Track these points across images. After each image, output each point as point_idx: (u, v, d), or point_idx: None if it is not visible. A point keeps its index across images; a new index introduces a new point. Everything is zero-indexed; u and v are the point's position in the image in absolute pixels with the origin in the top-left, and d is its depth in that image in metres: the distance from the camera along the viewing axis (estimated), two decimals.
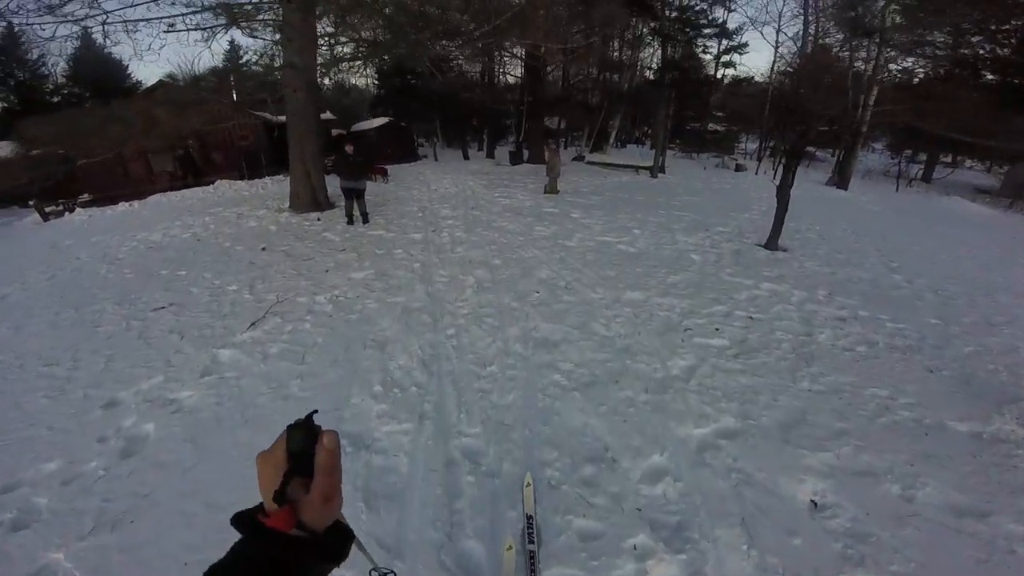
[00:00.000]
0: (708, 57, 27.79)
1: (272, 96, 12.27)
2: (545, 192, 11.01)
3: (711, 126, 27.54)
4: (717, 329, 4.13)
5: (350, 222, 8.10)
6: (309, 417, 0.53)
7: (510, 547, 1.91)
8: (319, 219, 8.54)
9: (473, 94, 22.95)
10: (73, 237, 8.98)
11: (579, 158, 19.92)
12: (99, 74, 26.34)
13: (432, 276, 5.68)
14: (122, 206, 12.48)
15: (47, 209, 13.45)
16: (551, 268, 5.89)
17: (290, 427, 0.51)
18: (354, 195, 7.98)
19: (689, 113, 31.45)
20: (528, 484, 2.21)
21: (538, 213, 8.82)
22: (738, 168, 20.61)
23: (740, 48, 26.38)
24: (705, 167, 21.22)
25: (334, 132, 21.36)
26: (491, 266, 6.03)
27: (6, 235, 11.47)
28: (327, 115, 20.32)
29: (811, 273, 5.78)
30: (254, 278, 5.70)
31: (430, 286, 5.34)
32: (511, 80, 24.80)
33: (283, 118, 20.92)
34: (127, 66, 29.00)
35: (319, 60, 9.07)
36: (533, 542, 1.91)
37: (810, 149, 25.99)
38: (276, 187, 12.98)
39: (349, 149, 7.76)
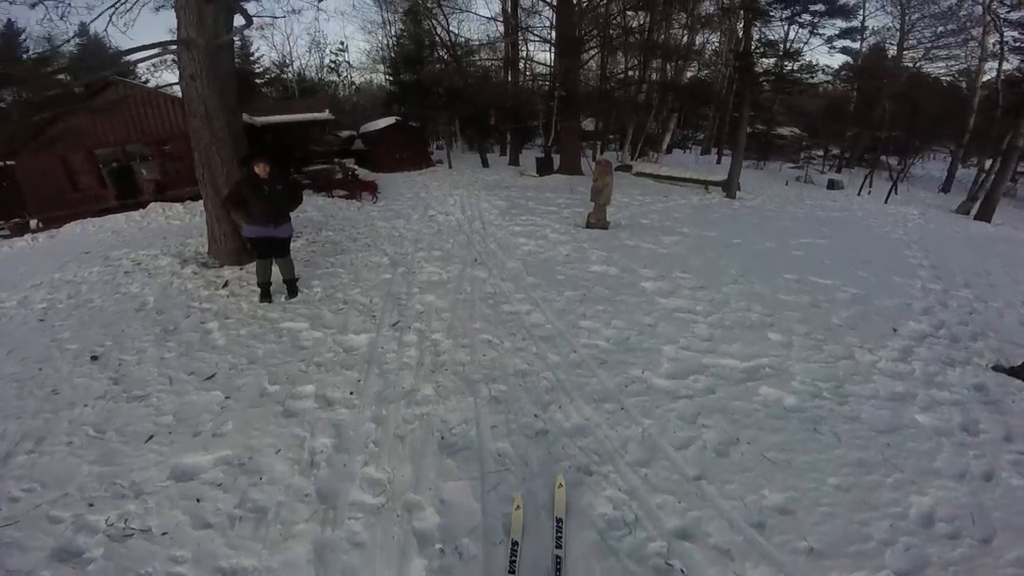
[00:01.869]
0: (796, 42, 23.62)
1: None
2: (588, 225, 7.59)
3: (782, 129, 23.46)
4: None
5: (265, 296, 4.89)
6: None
7: (518, 506, 2.04)
8: (227, 284, 5.35)
9: (492, 88, 19.74)
10: None
11: (624, 168, 16.44)
12: None
13: (346, 495, 2.34)
14: (22, 240, 9.63)
15: None
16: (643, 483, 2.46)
17: None
18: (272, 251, 4.79)
19: (752, 113, 27.45)
20: (560, 485, 2.18)
21: (584, 275, 5.41)
22: (832, 185, 16.65)
23: (853, 32, 21.15)
24: (787, 181, 17.40)
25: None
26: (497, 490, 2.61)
27: None
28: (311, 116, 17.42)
29: None
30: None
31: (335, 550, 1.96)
32: (539, 68, 21.37)
33: (261, 118, 18.54)
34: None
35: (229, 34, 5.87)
36: (560, 547, 1.88)
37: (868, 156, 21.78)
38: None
39: (261, 169, 4.50)
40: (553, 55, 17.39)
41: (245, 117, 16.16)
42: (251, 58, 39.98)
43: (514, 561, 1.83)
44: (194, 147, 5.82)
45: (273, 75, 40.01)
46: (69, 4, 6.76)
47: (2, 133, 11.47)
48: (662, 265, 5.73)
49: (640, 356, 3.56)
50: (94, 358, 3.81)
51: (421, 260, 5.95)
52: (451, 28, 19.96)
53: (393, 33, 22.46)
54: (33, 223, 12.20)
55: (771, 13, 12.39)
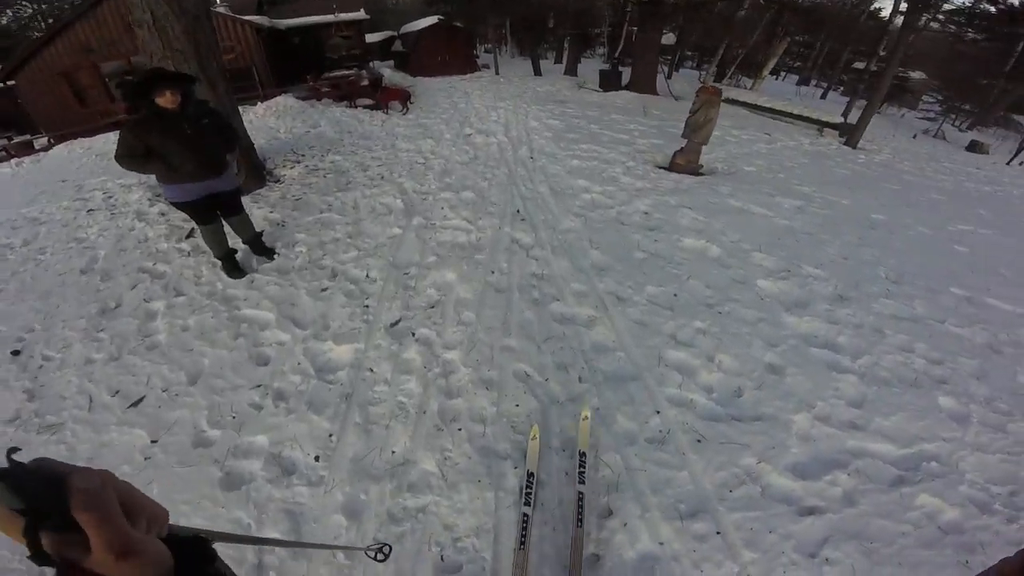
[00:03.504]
0: None
1: None
2: (674, 166, 5.70)
3: (913, 73, 19.09)
4: None
5: (231, 268, 3.54)
6: (12, 460, 0.35)
7: (534, 437, 1.96)
8: (191, 234, 4.11)
9: None
10: None
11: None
12: None
13: None
14: (7, 166, 8.54)
15: None
16: None
17: None
18: (215, 210, 3.38)
19: (860, 48, 22.59)
20: (585, 417, 2.09)
21: (673, 255, 3.77)
22: (975, 147, 13.33)
23: None
24: (916, 134, 14.13)
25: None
26: None
27: None
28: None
29: None
30: None
31: None
32: None
33: (282, 21, 16.38)
34: None
35: None
36: (584, 483, 1.81)
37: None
38: (264, 116, 8.54)
39: (168, 100, 2.83)
40: None
41: (264, 20, 14.36)
42: None
43: (529, 493, 1.77)
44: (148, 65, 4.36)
45: None
46: None
47: None
48: (784, 249, 3.94)
49: (757, 431, 2.17)
50: (15, 353, 2.90)
51: (445, 206, 4.40)
52: None
53: None
54: (40, 142, 11.48)
55: None
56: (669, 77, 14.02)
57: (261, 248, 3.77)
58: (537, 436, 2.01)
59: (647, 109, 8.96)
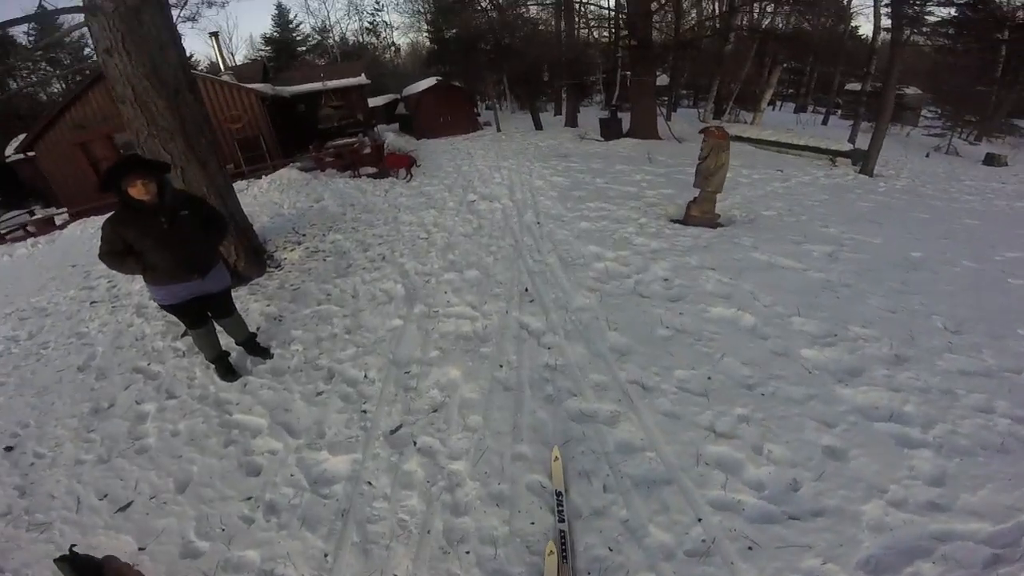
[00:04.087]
0: None
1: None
2: (688, 219, 5.43)
3: (907, 89, 19.05)
4: None
5: (224, 371, 3.35)
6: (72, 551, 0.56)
7: (551, 552, 1.80)
8: (186, 332, 3.88)
9: (543, 40, 17.18)
10: None
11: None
12: None
13: None
14: (23, 247, 8.80)
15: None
16: None
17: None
18: (205, 312, 3.20)
19: (850, 70, 22.81)
20: (556, 458, 2.10)
21: (701, 328, 3.45)
22: (992, 161, 12.99)
23: None
24: (928, 153, 13.87)
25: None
26: None
27: None
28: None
29: None
30: None
31: None
32: (600, 12, 18.22)
33: (286, 89, 16.90)
34: None
35: None
36: (564, 520, 1.84)
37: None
38: (269, 190, 8.68)
39: (140, 190, 2.59)
40: None
41: (267, 88, 14.90)
42: (290, 25, 39.37)
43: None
44: (136, 144, 4.33)
45: (315, 42, 39.22)
46: None
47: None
48: (824, 308, 3.53)
49: (820, 528, 1.89)
50: (8, 449, 3.01)
51: (448, 289, 4.16)
52: None
53: None
54: (61, 217, 11.74)
55: None
56: (668, 119, 14.10)
57: (256, 348, 3.54)
58: (554, 551, 1.84)
59: (652, 156, 8.85)
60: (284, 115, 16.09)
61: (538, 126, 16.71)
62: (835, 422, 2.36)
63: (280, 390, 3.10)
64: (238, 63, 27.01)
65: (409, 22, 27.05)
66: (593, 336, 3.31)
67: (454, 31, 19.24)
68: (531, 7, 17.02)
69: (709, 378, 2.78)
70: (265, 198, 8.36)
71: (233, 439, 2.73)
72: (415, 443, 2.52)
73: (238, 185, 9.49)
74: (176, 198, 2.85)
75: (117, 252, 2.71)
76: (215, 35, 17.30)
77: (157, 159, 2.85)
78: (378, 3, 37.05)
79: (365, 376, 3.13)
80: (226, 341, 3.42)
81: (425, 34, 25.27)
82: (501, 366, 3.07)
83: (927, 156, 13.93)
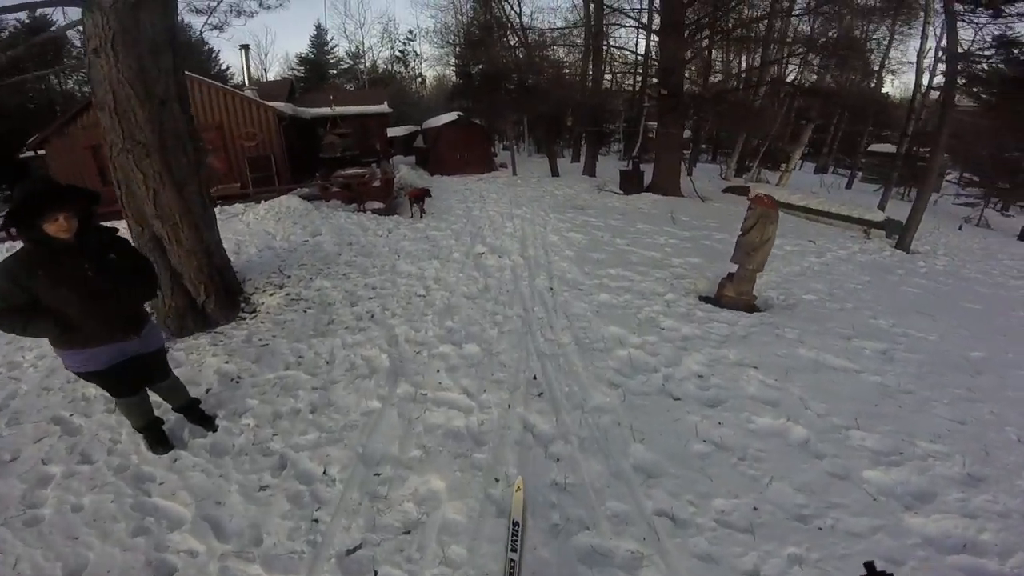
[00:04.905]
0: None
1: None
2: (721, 299, 4.84)
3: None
4: None
5: (156, 442, 2.76)
6: None
7: (519, 488, 1.87)
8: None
9: (568, 83, 17.21)
10: None
11: (735, 189, 13.30)
12: None
13: None
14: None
15: None
16: None
17: None
18: (134, 376, 2.60)
19: (883, 132, 22.87)
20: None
21: (743, 443, 2.88)
22: None
23: None
24: (960, 225, 13.40)
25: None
26: None
27: None
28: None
29: None
30: None
31: None
32: (625, 55, 18.30)
33: (307, 111, 16.80)
34: None
35: None
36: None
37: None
38: (264, 218, 8.25)
39: (59, 227, 2.07)
40: (645, 45, 14.62)
41: (287, 107, 14.76)
42: (326, 47, 40.47)
43: (515, 540, 1.79)
44: (108, 157, 3.88)
45: (346, 66, 40.23)
46: None
47: None
48: (886, 419, 2.96)
49: None
50: None
51: (442, 367, 3.55)
52: (524, 17, 17.69)
53: (463, 12, 20.57)
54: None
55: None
56: (690, 174, 13.81)
57: (197, 416, 2.95)
58: (522, 488, 1.89)
59: (675, 216, 8.37)
60: (303, 138, 15.93)
61: (555, 172, 16.51)
62: (903, 557, 1.99)
63: (215, 475, 2.55)
64: (270, 79, 27.25)
65: (439, 54, 27.54)
66: (613, 448, 2.70)
67: (480, 66, 19.41)
68: (559, 48, 17.05)
69: (755, 508, 2.24)
70: (259, 226, 7.91)
71: (146, 527, 2.25)
72: (375, 573, 1.97)
73: (235, 209, 9.12)
74: (101, 237, 2.33)
75: (17, 309, 2.12)
76: (245, 48, 17.27)
77: (83, 187, 2.28)
78: (411, 32, 38.13)
79: (324, 472, 2.55)
80: (163, 408, 2.88)
81: (452, 68, 25.65)
82: (497, 480, 2.47)
83: (959, 229, 13.43)
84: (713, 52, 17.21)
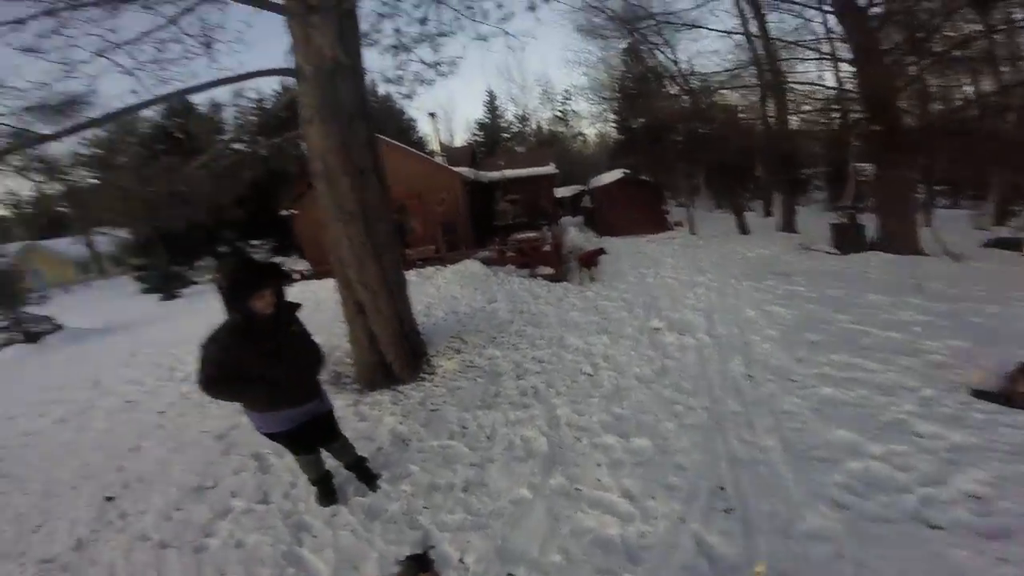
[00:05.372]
0: None
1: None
2: (1012, 395, 3.31)
3: None
4: None
5: (326, 495, 3.01)
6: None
7: (759, 571, 1.84)
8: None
9: (745, 128, 15.47)
10: None
11: (1004, 243, 9.99)
12: None
13: None
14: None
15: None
16: None
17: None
18: (317, 438, 2.89)
19: None
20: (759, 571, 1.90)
21: None
22: None
23: None
24: None
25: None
26: None
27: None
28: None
29: None
30: None
31: None
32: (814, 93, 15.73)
33: (486, 174, 17.74)
34: None
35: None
36: None
37: None
38: (451, 282, 9.13)
39: (267, 303, 2.44)
40: (836, 77, 12.44)
41: (470, 172, 15.93)
42: (497, 112, 43.01)
43: None
44: (325, 223, 4.56)
45: (516, 129, 43.27)
46: None
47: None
48: None
49: None
50: (108, 499, 3.48)
51: (603, 460, 3.12)
52: (680, 57, 16.69)
53: (614, 67, 20.58)
54: (298, 274, 13.89)
55: None
56: (930, 226, 10.88)
57: (364, 474, 3.10)
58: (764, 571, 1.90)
59: (921, 283, 6.45)
60: (481, 202, 16.74)
61: (743, 230, 14.81)
62: None
63: (363, 538, 2.65)
64: (456, 146, 30.48)
65: (596, 111, 28.18)
66: None
67: (641, 120, 18.93)
68: (729, 91, 15.56)
69: None
70: (447, 291, 8.66)
71: None
72: None
73: (428, 272, 10.15)
74: (289, 311, 2.63)
75: (232, 378, 2.43)
76: (433, 115, 18.77)
77: (279, 264, 2.74)
78: (567, 92, 39.83)
79: (460, 560, 2.40)
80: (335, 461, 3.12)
81: (611, 124, 25.80)
82: None
83: None
84: (927, 77, 13.65)
